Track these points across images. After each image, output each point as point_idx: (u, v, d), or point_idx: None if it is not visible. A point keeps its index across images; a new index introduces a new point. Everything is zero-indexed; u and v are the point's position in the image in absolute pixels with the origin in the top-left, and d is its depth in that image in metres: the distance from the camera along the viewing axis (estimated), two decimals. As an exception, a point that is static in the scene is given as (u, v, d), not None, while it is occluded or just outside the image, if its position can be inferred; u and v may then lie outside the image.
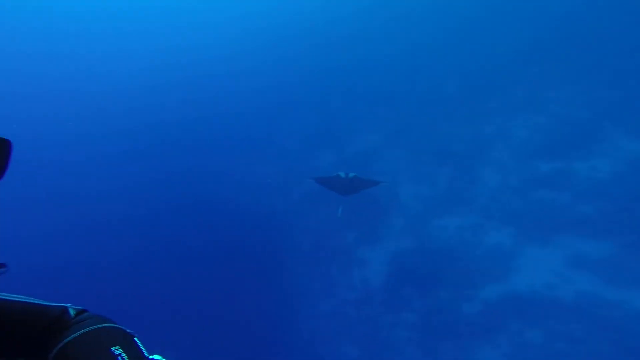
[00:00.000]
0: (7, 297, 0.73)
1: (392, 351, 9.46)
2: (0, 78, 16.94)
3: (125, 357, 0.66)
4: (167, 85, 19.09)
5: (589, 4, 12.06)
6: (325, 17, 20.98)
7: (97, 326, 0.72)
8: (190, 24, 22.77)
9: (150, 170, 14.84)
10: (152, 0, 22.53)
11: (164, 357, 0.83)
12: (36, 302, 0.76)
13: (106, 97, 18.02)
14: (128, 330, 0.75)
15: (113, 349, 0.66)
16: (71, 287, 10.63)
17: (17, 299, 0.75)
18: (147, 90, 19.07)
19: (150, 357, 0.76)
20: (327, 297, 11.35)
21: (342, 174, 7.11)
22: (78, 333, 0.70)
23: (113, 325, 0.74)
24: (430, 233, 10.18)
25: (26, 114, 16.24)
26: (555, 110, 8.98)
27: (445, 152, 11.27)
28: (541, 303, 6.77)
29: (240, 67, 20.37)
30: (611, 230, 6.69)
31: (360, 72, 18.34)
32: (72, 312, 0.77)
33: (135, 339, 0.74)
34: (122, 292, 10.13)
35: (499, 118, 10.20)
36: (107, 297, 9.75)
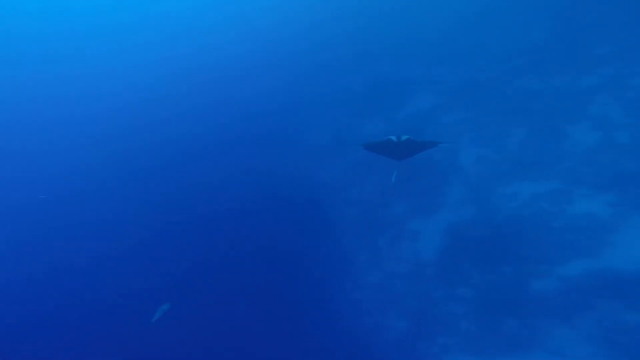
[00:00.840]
0: None
1: (445, 325, 8.81)
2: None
3: None
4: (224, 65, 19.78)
5: None
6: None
7: None
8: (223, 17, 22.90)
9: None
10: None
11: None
12: None
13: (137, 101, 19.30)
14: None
15: None
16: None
17: None
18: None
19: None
20: (373, 270, 11.01)
21: (394, 138, 6.41)
22: None
23: None
24: (495, 202, 8.92)
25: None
26: None
27: (520, 110, 9.54)
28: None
29: (285, 35, 20.00)
30: None
31: (411, 28, 16.50)
32: None
33: None
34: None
35: (606, 68, 8.09)
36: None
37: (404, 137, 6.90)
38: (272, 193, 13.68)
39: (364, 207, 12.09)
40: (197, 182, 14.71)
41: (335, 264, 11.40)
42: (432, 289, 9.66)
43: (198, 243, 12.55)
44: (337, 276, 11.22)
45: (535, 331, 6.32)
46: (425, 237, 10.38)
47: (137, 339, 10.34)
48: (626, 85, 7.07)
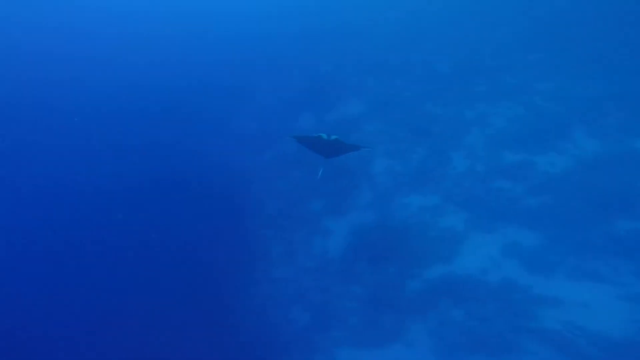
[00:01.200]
0: None
1: (339, 320, 9.67)
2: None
3: None
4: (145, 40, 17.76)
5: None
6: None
7: None
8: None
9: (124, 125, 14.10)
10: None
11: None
12: None
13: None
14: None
15: None
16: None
17: None
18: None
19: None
20: (286, 264, 11.38)
21: (325, 135, 6.71)
22: None
23: None
24: (393, 210, 10.01)
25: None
26: (536, 102, 8.50)
27: (424, 131, 10.81)
28: (471, 285, 6.87)
29: (229, 20, 18.95)
30: (546, 222, 6.77)
31: (354, 40, 17.20)
32: None
33: None
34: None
35: (483, 104, 9.66)
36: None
37: (333, 137, 7.30)
38: (188, 177, 12.96)
39: (285, 201, 12.33)
40: (104, 160, 13.07)
41: (249, 255, 11.46)
42: (333, 285, 10.48)
43: (102, 222, 11.25)
44: (248, 268, 11.31)
45: (400, 326, 7.43)
46: (335, 236, 11.14)
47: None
48: (487, 123, 8.65)
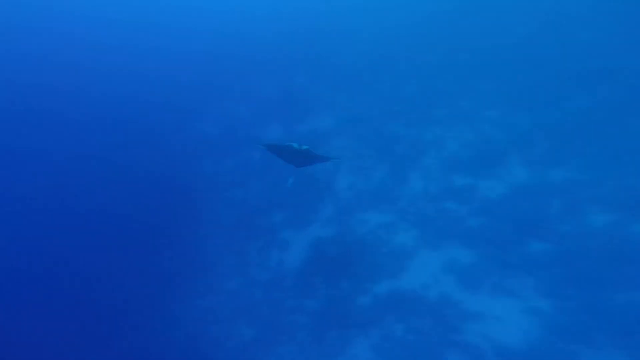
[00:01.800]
0: None
1: (286, 335, 9.28)
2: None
3: None
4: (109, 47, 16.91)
5: (546, 26, 12.53)
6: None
7: None
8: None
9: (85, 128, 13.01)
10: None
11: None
12: None
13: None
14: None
15: None
16: None
17: None
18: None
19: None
20: (234, 276, 10.84)
21: (296, 145, 6.55)
22: None
23: None
24: (352, 225, 10.05)
25: None
26: (484, 128, 9.23)
27: (387, 150, 11.16)
28: (413, 301, 7.02)
29: (205, 27, 18.65)
30: (480, 242, 7.21)
31: (332, 55, 17.66)
32: None
33: None
34: None
35: (440, 127, 10.25)
36: None
37: (304, 147, 7.16)
38: (147, 175, 12.10)
39: (244, 210, 11.90)
40: (61, 160, 11.84)
41: (196, 265, 10.77)
42: (285, 299, 10.12)
43: (43, 229, 9.98)
44: (194, 279, 10.59)
45: (345, 342, 7.29)
46: (293, 248, 10.88)
47: None
48: (442, 146, 9.19)
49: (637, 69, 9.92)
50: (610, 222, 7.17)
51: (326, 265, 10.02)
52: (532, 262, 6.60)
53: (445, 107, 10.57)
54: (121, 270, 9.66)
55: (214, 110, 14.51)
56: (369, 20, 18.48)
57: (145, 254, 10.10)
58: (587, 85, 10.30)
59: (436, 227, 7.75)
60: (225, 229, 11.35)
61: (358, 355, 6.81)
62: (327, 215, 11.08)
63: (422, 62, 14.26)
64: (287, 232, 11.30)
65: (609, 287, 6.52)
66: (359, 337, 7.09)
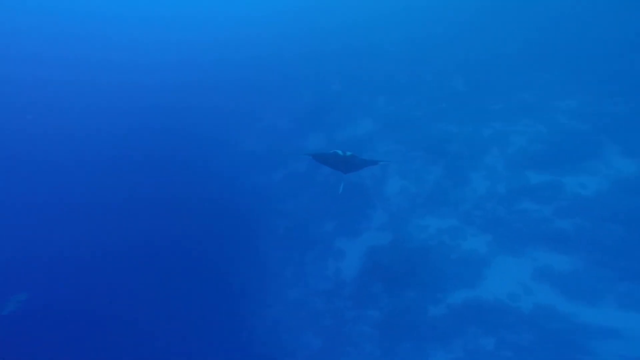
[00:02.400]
0: None
1: (353, 346, 9.23)
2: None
3: None
4: (154, 61, 18.30)
5: (611, 13, 11.27)
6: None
7: None
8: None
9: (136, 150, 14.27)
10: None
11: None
12: None
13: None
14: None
15: None
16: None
17: None
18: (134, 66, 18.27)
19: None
20: (296, 286, 11.07)
21: (340, 152, 6.64)
22: None
23: None
24: (409, 231, 9.78)
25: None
26: (559, 119, 8.41)
27: (439, 151, 10.74)
28: (501, 312, 6.50)
29: (239, 39, 19.49)
30: (581, 247, 6.46)
31: (365, 59, 17.56)
32: None
33: None
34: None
35: (500, 122, 9.62)
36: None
37: (348, 153, 7.23)
38: (200, 196, 12.88)
39: (296, 221, 12.15)
40: (123, 178, 13.09)
41: (259, 277, 11.17)
42: (347, 309, 10.09)
43: (113, 245, 11.09)
44: (259, 290, 10.99)
45: (423, 354, 7.02)
46: (348, 257, 10.85)
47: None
48: (507, 142, 8.55)
49: None
50: None
51: (385, 273, 9.84)
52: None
53: (501, 101, 9.92)
54: (191, 286, 10.31)
55: (257, 126, 15.06)
56: (400, 21, 18.12)
57: (213, 271, 10.69)
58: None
59: (513, 231, 7.21)
60: (280, 240, 11.66)
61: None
62: (380, 222, 10.92)
63: (464, 57, 13.60)
64: (340, 240, 11.32)
65: None
66: (438, 350, 6.79)
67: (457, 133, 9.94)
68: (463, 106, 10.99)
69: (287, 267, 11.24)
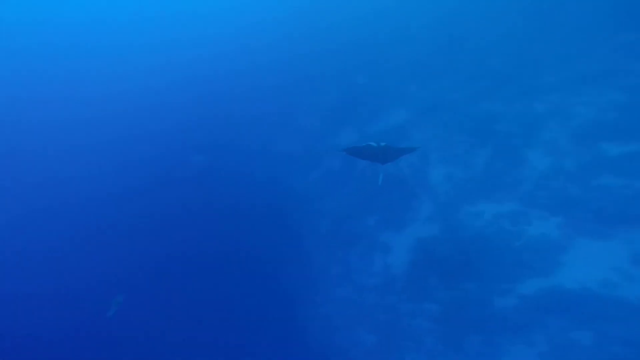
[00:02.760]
0: None
1: (412, 341, 8.95)
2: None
3: None
4: (184, 65, 18.91)
5: None
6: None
7: None
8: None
9: (168, 150, 14.90)
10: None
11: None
12: None
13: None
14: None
15: None
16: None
17: None
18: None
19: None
20: (344, 283, 10.98)
21: (374, 144, 6.47)
22: None
23: None
24: (461, 220, 9.28)
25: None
26: (635, 85, 7.41)
27: (485, 132, 10.07)
28: (594, 302, 5.83)
29: (259, 41, 19.66)
30: None
31: (390, 47, 16.96)
32: None
33: None
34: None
35: (556, 95, 8.77)
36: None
37: (382, 143, 7.06)
38: (241, 201, 13.19)
39: (336, 219, 12.05)
40: (160, 185, 13.78)
41: (306, 277, 11.22)
42: (400, 303, 9.81)
43: (158, 249, 11.72)
44: (308, 290, 11.04)
45: (496, 348, 6.58)
46: (396, 251, 10.55)
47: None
48: (569, 114, 7.74)
49: None
50: None
51: (438, 266, 9.42)
52: None
53: (554, 73, 9.06)
54: (244, 286, 10.58)
55: (288, 128, 15.12)
56: (423, 2, 17.28)
57: (261, 273, 10.89)
58: None
59: (593, 211, 6.49)
60: (323, 239, 11.61)
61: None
62: (426, 212, 10.48)
63: (500, 32, 12.63)
64: (385, 234, 11.03)
65: None
66: (516, 344, 6.33)
67: (504, 112, 9.22)
68: (506, 83, 10.18)
69: (333, 265, 11.17)
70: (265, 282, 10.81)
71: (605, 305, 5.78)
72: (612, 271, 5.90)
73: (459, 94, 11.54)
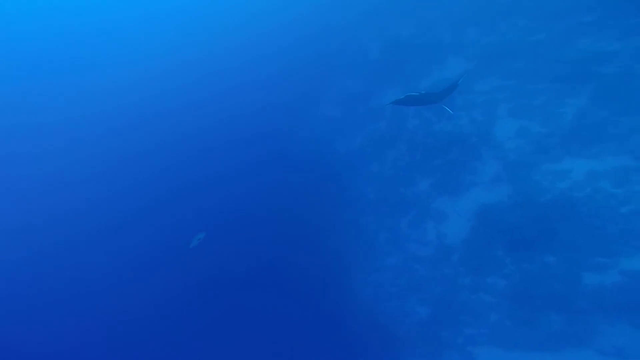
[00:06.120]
0: None
1: (471, 315, 8.12)
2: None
3: None
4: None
5: None
6: None
7: None
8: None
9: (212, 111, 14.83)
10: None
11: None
12: None
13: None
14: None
15: None
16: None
17: None
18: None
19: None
20: (393, 252, 10.28)
21: (414, 93, 5.66)
22: None
23: None
24: (538, 181, 7.78)
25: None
26: None
27: (582, 77, 8.02)
28: None
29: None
30: None
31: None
32: None
33: None
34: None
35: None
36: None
37: (423, 91, 6.18)
38: (286, 168, 12.84)
39: (384, 184, 11.15)
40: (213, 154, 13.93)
41: (354, 244, 10.75)
42: (458, 276, 8.87)
43: (210, 213, 12.05)
44: (356, 257, 10.60)
45: (586, 328, 5.49)
46: (452, 219, 9.46)
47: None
48: None
49: None
50: None
51: (506, 236, 8.17)
52: None
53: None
54: (299, 254, 10.48)
55: (330, 90, 14.04)
56: None
57: (314, 239, 10.65)
58: None
59: None
60: (372, 205, 10.86)
61: (626, 346, 4.92)
62: (491, 174, 9.06)
63: None
64: (439, 200, 9.90)
65: None
66: (618, 325, 5.18)
67: (618, 50, 7.07)
68: (617, 15, 7.77)
69: (381, 233, 10.47)
70: (312, 249, 10.57)
71: None
72: None
73: (544, 35, 9.32)
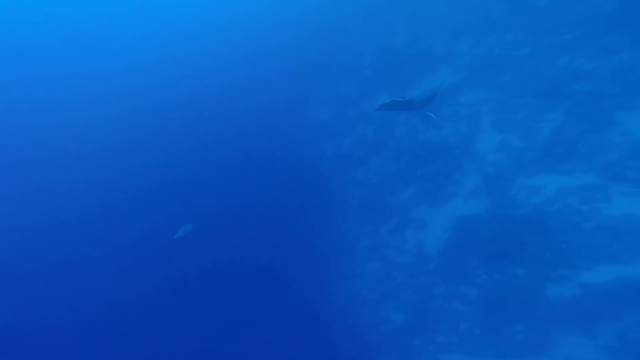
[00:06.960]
0: None
1: (444, 324, 8.24)
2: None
3: None
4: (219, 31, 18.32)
5: None
6: None
7: None
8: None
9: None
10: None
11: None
12: None
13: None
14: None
15: None
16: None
17: None
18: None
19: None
20: (373, 258, 10.40)
21: (399, 98, 5.83)
22: None
23: None
24: (513, 196, 7.93)
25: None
26: None
27: (559, 93, 8.21)
28: None
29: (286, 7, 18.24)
30: None
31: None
32: None
33: None
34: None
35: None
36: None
37: (407, 97, 6.34)
38: (273, 168, 12.95)
39: (369, 190, 11.29)
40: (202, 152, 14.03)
41: (336, 249, 10.86)
42: (434, 284, 9.00)
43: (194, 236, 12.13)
44: (337, 262, 10.71)
45: (546, 338, 5.61)
46: (431, 228, 9.59)
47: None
48: None
49: None
50: None
51: (481, 247, 8.32)
52: None
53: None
54: (281, 256, 10.57)
55: (322, 93, 14.20)
56: None
57: (297, 242, 10.74)
58: None
59: None
60: (356, 210, 10.99)
61: (579, 356, 5.05)
62: (471, 186, 9.21)
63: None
64: (421, 209, 10.04)
65: None
66: (575, 336, 5.31)
67: (593, 68, 7.27)
68: (611, 31, 7.92)
69: (363, 239, 10.60)
70: (293, 251, 10.67)
71: None
72: None
73: (528, 50, 9.51)
